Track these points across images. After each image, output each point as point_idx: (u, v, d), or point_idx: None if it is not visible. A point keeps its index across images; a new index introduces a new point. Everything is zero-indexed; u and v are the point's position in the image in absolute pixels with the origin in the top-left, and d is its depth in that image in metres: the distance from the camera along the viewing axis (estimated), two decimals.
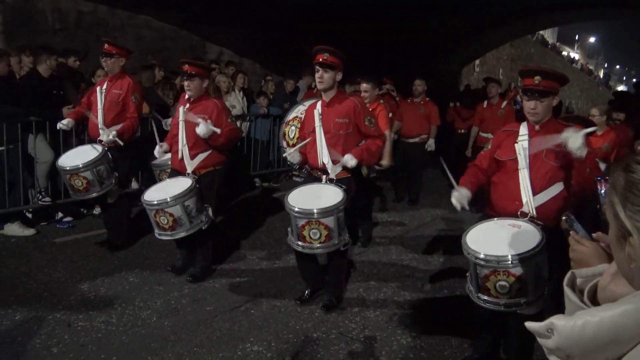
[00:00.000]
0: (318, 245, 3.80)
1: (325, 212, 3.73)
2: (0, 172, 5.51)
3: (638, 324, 0.92)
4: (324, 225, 3.74)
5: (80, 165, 4.70)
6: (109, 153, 4.90)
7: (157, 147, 4.73)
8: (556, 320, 1.02)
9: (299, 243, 3.85)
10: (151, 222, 4.35)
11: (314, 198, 3.86)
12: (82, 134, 5.93)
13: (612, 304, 0.98)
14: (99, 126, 4.96)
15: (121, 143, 4.89)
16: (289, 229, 3.98)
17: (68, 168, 4.75)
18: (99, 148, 4.86)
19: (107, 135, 4.86)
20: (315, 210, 3.73)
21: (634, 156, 1.03)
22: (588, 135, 2.85)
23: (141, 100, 5.26)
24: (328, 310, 4.11)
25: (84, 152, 4.89)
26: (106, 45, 5.04)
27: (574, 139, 2.82)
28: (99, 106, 5.00)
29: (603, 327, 0.94)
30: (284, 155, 4.32)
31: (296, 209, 3.77)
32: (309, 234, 3.77)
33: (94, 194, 4.85)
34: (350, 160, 3.95)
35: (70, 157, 4.87)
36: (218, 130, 4.31)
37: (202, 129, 4.24)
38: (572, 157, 2.95)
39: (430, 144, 7.69)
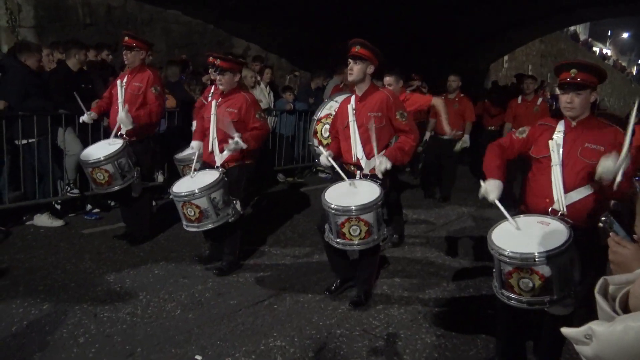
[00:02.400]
0: (358, 241, 3.74)
1: (365, 208, 3.67)
2: (31, 164, 5.62)
3: None
4: (364, 222, 3.68)
5: (102, 158, 4.73)
6: (130, 147, 4.91)
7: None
8: (595, 325, 0.96)
9: (339, 240, 3.79)
10: (179, 213, 4.37)
11: (351, 194, 3.80)
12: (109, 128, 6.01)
13: None
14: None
15: (131, 126, 4.88)
16: (326, 226, 3.92)
17: (90, 161, 4.79)
18: (120, 141, 4.88)
19: (125, 115, 4.83)
20: (353, 207, 3.66)
21: None
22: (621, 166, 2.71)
23: (162, 91, 5.27)
24: (356, 307, 4.08)
25: (105, 145, 4.92)
26: (126, 38, 5.06)
27: (606, 165, 2.71)
28: (120, 99, 5.03)
29: None
30: (314, 147, 4.27)
31: (333, 206, 3.70)
32: (349, 231, 3.71)
33: (116, 187, 4.87)
34: (384, 163, 3.85)
35: (92, 151, 4.92)
36: (244, 145, 4.34)
37: (231, 147, 4.30)
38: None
39: (465, 140, 7.61)
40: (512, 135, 3.33)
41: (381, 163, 3.86)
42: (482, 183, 3.12)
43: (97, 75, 6.43)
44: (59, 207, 5.96)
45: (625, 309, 1.06)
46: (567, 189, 2.96)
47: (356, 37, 4.02)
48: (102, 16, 8.03)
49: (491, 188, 3.07)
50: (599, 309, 1.09)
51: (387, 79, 5.59)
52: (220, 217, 4.30)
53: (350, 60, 3.98)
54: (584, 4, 12.45)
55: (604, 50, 46.62)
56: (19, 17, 7.08)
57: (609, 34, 51.79)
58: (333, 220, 3.75)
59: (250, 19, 9.62)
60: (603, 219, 1.49)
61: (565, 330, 1.03)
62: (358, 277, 4.23)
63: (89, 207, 6.08)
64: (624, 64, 49.56)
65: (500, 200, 3.07)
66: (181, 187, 4.36)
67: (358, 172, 4.02)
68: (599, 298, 1.10)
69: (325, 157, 4.15)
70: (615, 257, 1.32)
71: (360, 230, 3.70)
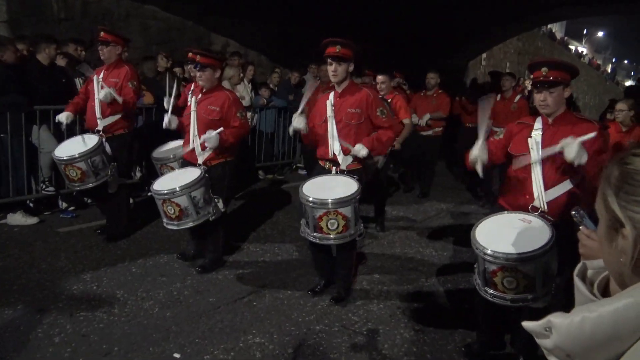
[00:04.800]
0: (335, 235, 3.73)
1: (343, 202, 3.68)
2: (4, 161, 5.51)
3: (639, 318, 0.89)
4: (342, 215, 3.68)
5: (77, 155, 4.66)
6: (106, 144, 4.85)
7: (166, 117, 4.69)
8: (554, 318, 0.98)
9: (316, 234, 3.77)
10: (159, 211, 4.32)
11: (328, 188, 3.80)
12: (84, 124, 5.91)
13: (611, 298, 0.94)
14: (96, 116, 4.91)
15: (118, 98, 4.82)
16: (302, 221, 3.90)
17: (64, 158, 4.70)
18: (96, 138, 4.81)
19: (105, 91, 4.78)
20: (330, 200, 3.67)
21: (630, 150, 0.99)
22: (583, 142, 2.77)
23: (138, 86, 5.21)
24: (337, 303, 4.09)
25: (79, 142, 4.83)
26: (102, 33, 4.99)
27: (568, 150, 2.77)
28: (96, 95, 4.95)
29: (602, 322, 0.90)
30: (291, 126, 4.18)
31: (311, 199, 3.69)
32: (327, 225, 3.70)
33: (90, 185, 4.80)
34: (361, 149, 3.90)
35: (65, 147, 4.83)
36: (216, 144, 4.29)
37: (212, 141, 4.26)
38: (591, 150, 2.93)
39: (424, 118, 7.63)
40: (491, 138, 3.38)
41: (359, 150, 3.90)
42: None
43: (76, 71, 6.33)
44: (31, 204, 5.84)
45: (605, 292, 1.09)
46: (547, 186, 3.02)
47: (333, 36, 3.99)
48: (78, 11, 7.90)
49: (476, 150, 3.14)
50: (576, 292, 1.11)
51: (380, 78, 5.91)
52: (200, 216, 4.26)
53: (332, 61, 3.94)
54: (560, 3, 12.63)
55: (580, 49, 47.40)
56: None
57: (585, 32, 52.74)
58: (311, 214, 3.73)
59: (229, 15, 9.55)
60: (573, 212, 1.51)
61: (525, 324, 1.05)
62: (337, 273, 4.24)
63: (64, 205, 5.98)
64: (599, 62, 50.53)
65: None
66: (162, 184, 4.31)
67: (334, 168, 4.02)
68: (577, 281, 1.11)
69: (299, 119, 4.00)
70: (585, 250, 1.35)
71: (338, 224, 3.70)
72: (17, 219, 5.44)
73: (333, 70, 3.96)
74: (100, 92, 4.85)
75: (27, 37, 6.10)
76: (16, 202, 5.59)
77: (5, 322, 3.56)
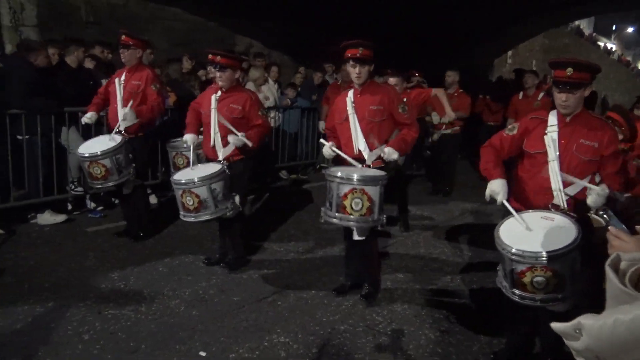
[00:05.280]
0: (357, 217, 3.68)
1: (370, 180, 3.67)
2: (34, 162, 5.63)
3: None
4: (367, 196, 3.64)
5: (99, 153, 4.76)
6: (128, 143, 4.94)
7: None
8: (584, 319, 0.96)
9: (337, 214, 3.71)
10: (177, 203, 4.35)
11: (358, 171, 3.84)
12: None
13: None
14: (119, 119, 5.01)
15: (135, 121, 4.93)
16: (322, 209, 3.87)
17: (87, 155, 4.80)
18: (119, 138, 4.91)
19: (126, 111, 4.89)
20: (356, 177, 3.66)
21: None
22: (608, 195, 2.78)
23: (161, 88, 5.29)
24: (366, 299, 4.09)
25: (103, 140, 4.94)
26: (123, 37, 5.08)
27: (593, 195, 2.80)
28: (118, 97, 5.05)
29: (636, 325, 0.88)
30: (321, 141, 4.30)
31: (339, 174, 3.68)
32: (351, 204, 3.65)
33: (112, 183, 4.89)
34: (392, 153, 3.91)
35: (89, 145, 4.94)
36: (250, 143, 4.36)
37: (235, 141, 4.33)
38: (605, 153, 2.97)
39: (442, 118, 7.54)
40: (502, 134, 3.30)
41: (390, 153, 3.90)
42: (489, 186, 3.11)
43: (104, 74, 6.44)
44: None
45: (637, 285, 1.06)
46: (565, 183, 2.97)
47: (355, 37, 4.00)
48: (105, 14, 8.06)
49: (497, 189, 3.06)
50: (608, 282, 1.09)
51: (392, 80, 5.87)
52: (218, 209, 4.29)
53: (355, 64, 3.94)
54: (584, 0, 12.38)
55: (609, 45, 46.37)
56: (21, 15, 7.10)
57: (614, 28, 51.55)
58: (336, 191, 3.69)
59: (252, 16, 9.61)
60: (601, 212, 1.49)
61: (555, 325, 1.03)
62: (363, 271, 4.24)
63: (92, 205, 6.09)
64: (628, 58, 49.26)
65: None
66: (182, 175, 4.38)
67: (359, 165, 4.01)
68: (609, 271, 1.09)
69: (328, 148, 4.16)
70: (614, 250, 1.32)
71: (362, 205, 3.65)
72: (46, 218, 5.56)
73: (357, 72, 3.97)
74: (122, 111, 4.96)
75: (58, 41, 6.23)
76: (46, 202, 5.70)
77: (36, 319, 3.64)
